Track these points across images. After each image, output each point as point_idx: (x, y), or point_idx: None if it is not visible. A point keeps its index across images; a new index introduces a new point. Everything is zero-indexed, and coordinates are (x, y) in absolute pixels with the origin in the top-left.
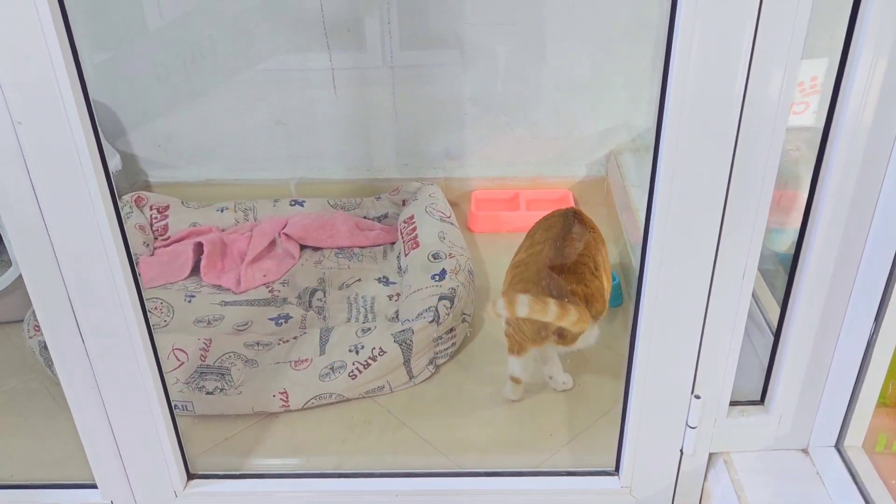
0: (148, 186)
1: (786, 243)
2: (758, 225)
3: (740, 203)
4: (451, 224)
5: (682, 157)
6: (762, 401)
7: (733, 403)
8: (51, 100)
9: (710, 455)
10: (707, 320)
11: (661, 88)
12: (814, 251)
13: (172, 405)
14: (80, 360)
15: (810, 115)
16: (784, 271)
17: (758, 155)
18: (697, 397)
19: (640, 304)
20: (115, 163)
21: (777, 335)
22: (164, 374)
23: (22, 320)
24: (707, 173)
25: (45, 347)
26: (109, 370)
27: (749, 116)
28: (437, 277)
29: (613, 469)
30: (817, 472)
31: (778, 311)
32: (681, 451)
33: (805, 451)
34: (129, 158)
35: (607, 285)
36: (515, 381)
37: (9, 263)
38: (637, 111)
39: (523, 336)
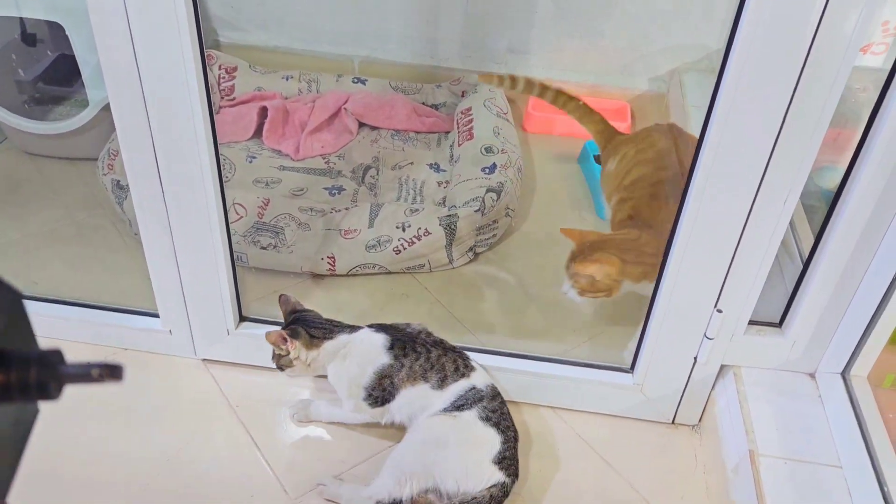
0: (217, 46)
1: (834, 181)
2: (808, 154)
3: (795, 131)
4: (507, 121)
5: (746, 78)
6: (780, 325)
7: (752, 322)
8: None
9: (722, 367)
10: (742, 240)
11: (736, 9)
12: (857, 188)
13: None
14: (156, 201)
15: (889, 58)
16: (825, 209)
17: (820, 87)
18: (719, 311)
19: (681, 216)
20: None
21: (807, 264)
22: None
23: (95, 158)
24: (768, 97)
25: (118, 185)
26: (182, 214)
27: (819, 48)
28: (487, 170)
29: (629, 367)
30: (819, 396)
31: (812, 242)
32: (695, 358)
33: (812, 375)
34: (201, 15)
35: None
36: None
37: (86, 103)
38: (709, 32)
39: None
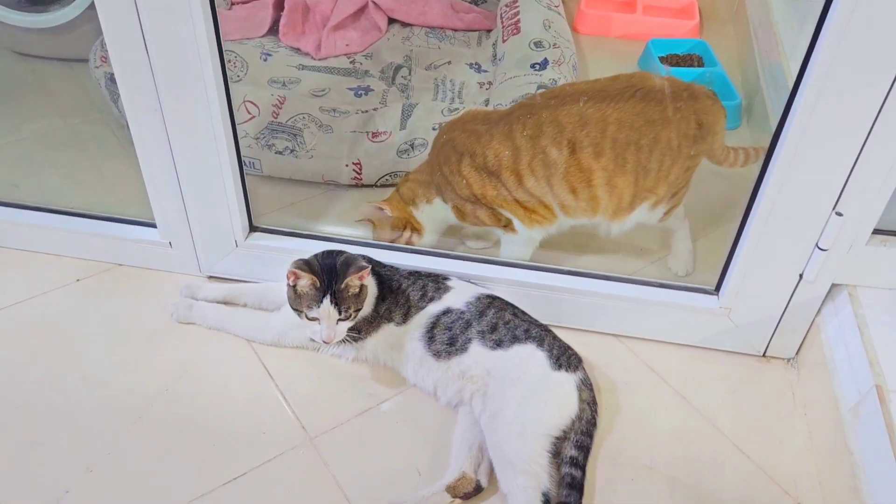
0: None
1: None
2: None
3: None
4: (559, 14)
5: None
6: None
7: (876, 231)
8: None
9: (832, 287)
10: (875, 126)
11: None
12: None
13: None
14: (146, 92)
15: None
16: None
17: None
18: (839, 214)
19: (798, 95)
20: None
21: None
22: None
23: (87, 60)
24: None
25: (112, 79)
26: (178, 107)
27: None
28: (537, 66)
29: (713, 288)
30: None
31: None
32: (800, 275)
33: None
34: None
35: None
36: None
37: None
38: None
39: None
